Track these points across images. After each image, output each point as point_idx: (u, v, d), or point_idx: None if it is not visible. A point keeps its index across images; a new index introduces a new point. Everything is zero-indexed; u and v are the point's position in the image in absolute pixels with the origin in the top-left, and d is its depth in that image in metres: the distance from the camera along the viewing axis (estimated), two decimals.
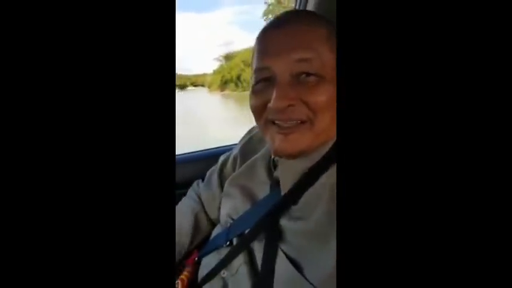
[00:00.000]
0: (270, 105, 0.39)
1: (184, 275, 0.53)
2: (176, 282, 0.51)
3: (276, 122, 0.41)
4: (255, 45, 0.43)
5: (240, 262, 0.45)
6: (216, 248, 0.50)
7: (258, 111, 0.43)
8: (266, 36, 0.42)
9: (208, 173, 0.66)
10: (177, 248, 0.58)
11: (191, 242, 0.59)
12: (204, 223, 0.62)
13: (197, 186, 0.68)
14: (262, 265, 0.42)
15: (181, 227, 0.60)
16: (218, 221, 0.59)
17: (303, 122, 0.39)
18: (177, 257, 0.57)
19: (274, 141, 0.41)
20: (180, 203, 0.66)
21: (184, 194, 0.69)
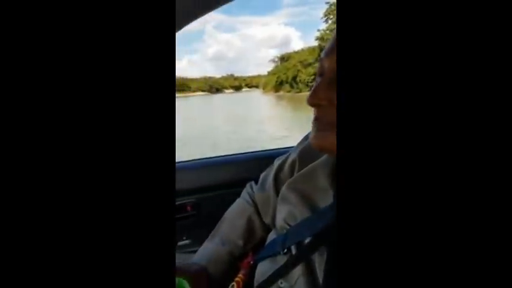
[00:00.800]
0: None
1: (239, 277, 0.52)
2: (231, 284, 0.51)
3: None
4: None
5: (299, 273, 0.42)
6: (273, 254, 0.48)
7: None
8: (335, 34, 0.41)
9: (262, 176, 0.65)
10: (230, 247, 0.57)
11: (245, 244, 0.59)
12: (258, 225, 0.61)
13: (250, 189, 0.67)
14: (323, 280, 0.39)
15: (234, 228, 0.60)
16: (273, 225, 0.57)
17: None
18: (231, 256, 0.57)
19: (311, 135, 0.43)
20: (233, 204, 0.66)
21: (238, 194, 0.69)
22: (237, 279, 0.52)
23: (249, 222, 0.61)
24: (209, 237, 0.61)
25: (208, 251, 0.57)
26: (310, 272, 0.41)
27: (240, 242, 0.58)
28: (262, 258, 0.51)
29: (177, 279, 0.45)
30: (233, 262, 0.57)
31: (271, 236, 0.54)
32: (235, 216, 0.62)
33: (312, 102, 0.40)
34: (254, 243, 0.60)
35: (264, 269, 0.48)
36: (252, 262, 0.53)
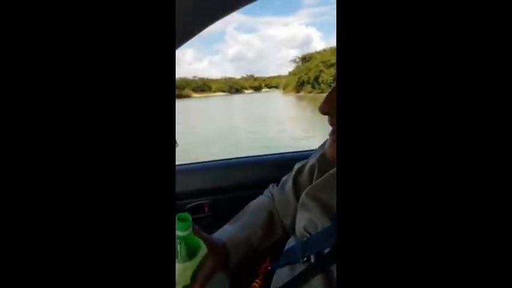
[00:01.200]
0: None
1: (257, 282, 0.51)
2: None
3: None
4: None
5: (318, 283, 0.41)
6: (292, 261, 0.47)
7: None
8: None
9: (282, 180, 0.65)
10: (249, 234, 0.56)
11: (264, 236, 0.57)
12: (278, 222, 0.60)
13: (272, 189, 0.67)
14: None
15: (255, 217, 0.59)
16: (291, 227, 0.56)
17: None
18: (248, 243, 0.55)
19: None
20: (256, 199, 0.66)
21: (257, 196, 0.68)
22: (254, 284, 0.51)
23: (270, 216, 0.59)
24: (229, 222, 0.60)
25: (228, 231, 0.56)
26: (329, 284, 0.40)
27: (260, 232, 0.57)
28: (281, 265, 0.49)
29: (194, 237, 0.43)
30: (250, 252, 0.54)
31: (290, 242, 0.53)
32: (257, 208, 0.61)
33: (321, 110, 0.41)
34: (272, 241, 0.58)
35: (282, 276, 0.47)
36: (269, 268, 0.52)
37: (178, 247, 0.41)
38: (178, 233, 0.40)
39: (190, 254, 0.41)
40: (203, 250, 0.43)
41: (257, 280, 0.51)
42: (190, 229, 0.41)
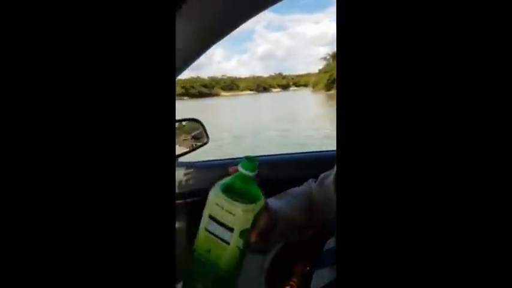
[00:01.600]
0: None
1: (293, 281, 0.50)
2: None
3: None
4: None
5: None
6: (333, 262, 0.46)
7: None
8: None
9: (321, 176, 0.63)
10: (293, 212, 0.53)
11: (304, 224, 0.54)
12: (317, 211, 0.57)
13: (312, 183, 0.65)
14: None
15: (298, 204, 0.56)
16: (330, 220, 0.54)
17: None
18: (292, 228, 0.53)
19: None
20: (296, 187, 0.63)
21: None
22: (291, 283, 0.50)
23: (311, 206, 0.57)
24: (273, 197, 0.57)
25: (273, 204, 0.52)
26: None
27: (300, 218, 0.54)
28: (321, 266, 0.49)
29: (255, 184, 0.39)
30: (291, 232, 0.53)
31: (330, 243, 0.52)
32: (299, 194, 0.59)
33: None
34: (311, 233, 0.56)
35: (322, 277, 0.47)
36: (308, 268, 0.51)
37: (240, 187, 0.38)
38: (244, 172, 0.38)
39: (251, 199, 0.38)
40: (262, 200, 0.39)
41: (294, 279, 0.51)
42: (256, 172, 0.38)
